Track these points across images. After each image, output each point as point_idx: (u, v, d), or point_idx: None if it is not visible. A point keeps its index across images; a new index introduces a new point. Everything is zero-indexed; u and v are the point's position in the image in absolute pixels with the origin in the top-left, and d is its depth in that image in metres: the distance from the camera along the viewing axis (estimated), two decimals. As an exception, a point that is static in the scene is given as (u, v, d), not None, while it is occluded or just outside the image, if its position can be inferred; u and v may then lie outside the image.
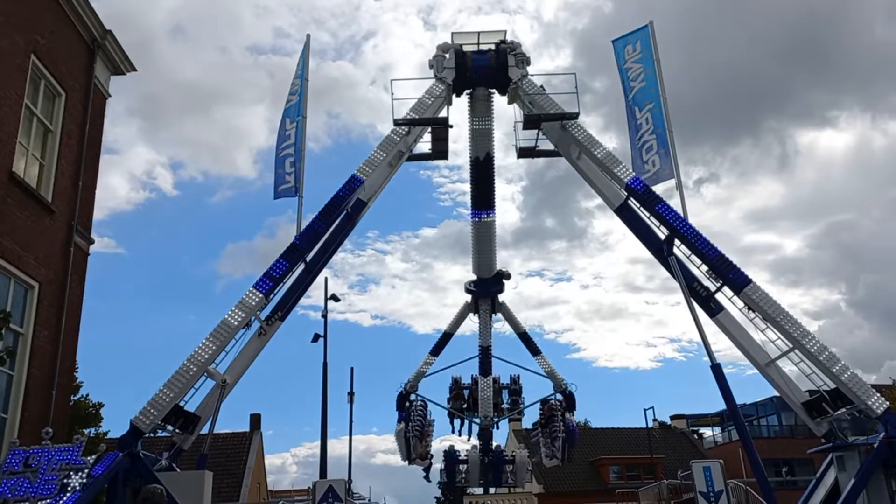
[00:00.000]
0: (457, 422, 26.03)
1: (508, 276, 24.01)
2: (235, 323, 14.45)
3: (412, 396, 25.65)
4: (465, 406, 26.29)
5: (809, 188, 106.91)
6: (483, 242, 21.87)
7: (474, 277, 24.23)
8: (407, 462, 25.22)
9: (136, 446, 12.99)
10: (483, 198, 20.38)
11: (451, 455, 26.51)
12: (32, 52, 13.80)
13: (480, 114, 18.46)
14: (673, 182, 16.26)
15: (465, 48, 18.69)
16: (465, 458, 26.42)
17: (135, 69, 17.29)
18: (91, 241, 15.79)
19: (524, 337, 26.19)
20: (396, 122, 17.37)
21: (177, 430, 14.05)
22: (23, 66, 13.54)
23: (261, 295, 14.83)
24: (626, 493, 30.55)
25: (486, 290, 24.58)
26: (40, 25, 14.14)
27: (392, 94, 17.67)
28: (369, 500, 35.77)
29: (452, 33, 19.16)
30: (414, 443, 24.85)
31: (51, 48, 14.41)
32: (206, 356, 14.05)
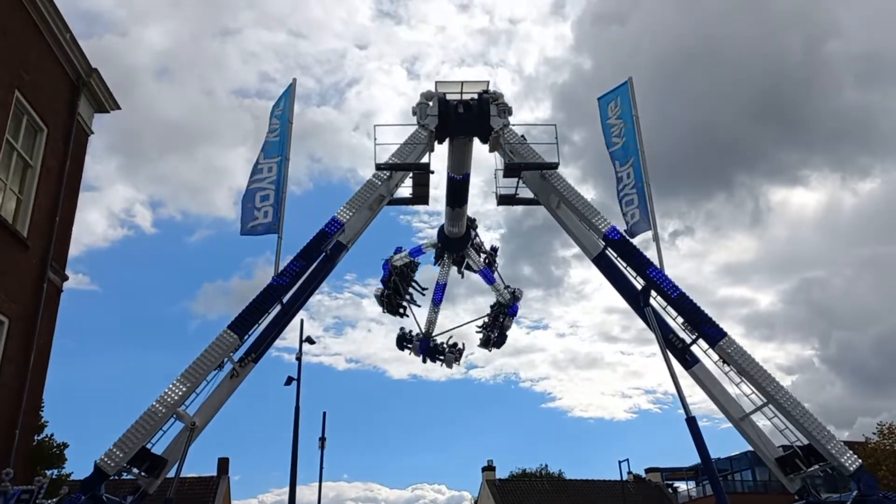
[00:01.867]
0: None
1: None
2: (208, 363, 14.24)
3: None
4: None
5: (782, 244, 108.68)
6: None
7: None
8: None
9: (100, 489, 12.65)
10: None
11: (401, 337, 27.03)
12: (16, 88, 13.79)
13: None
14: (650, 234, 16.50)
15: (449, 97, 19.01)
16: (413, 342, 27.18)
17: (118, 107, 17.32)
18: (65, 278, 15.59)
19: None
20: (378, 167, 17.51)
21: (142, 474, 13.70)
22: (5, 101, 13.52)
23: (235, 336, 14.66)
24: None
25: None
26: (25, 61, 14.17)
27: (375, 138, 17.87)
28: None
29: (436, 82, 19.48)
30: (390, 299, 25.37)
31: (35, 84, 14.42)
32: (176, 398, 13.80)
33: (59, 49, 15.16)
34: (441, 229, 22.91)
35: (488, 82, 19.56)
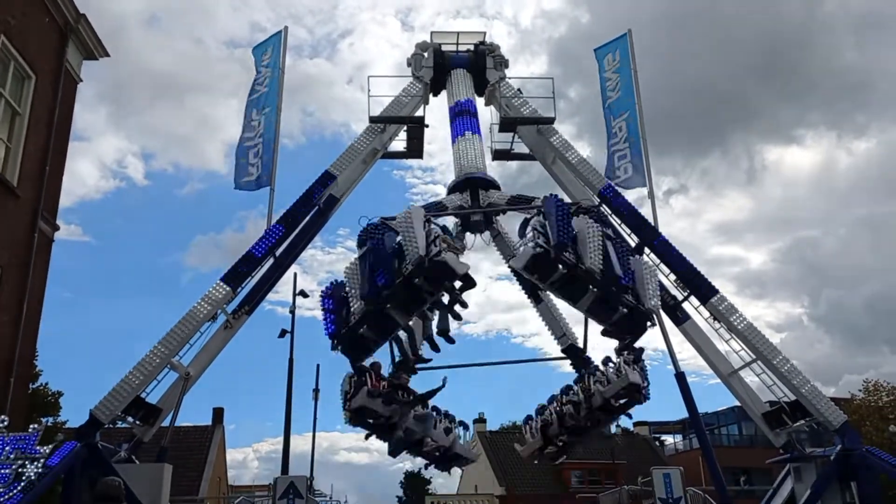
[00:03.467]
0: None
1: None
2: (201, 315, 14.27)
3: None
4: None
5: (776, 203, 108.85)
6: None
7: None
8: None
9: (95, 437, 12.79)
10: None
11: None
12: (2, 33, 13.50)
13: None
14: (644, 191, 16.46)
15: (444, 48, 18.72)
16: None
17: (108, 55, 16.99)
18: (56, 228, 15.49)
19: None
20: (372, 119, 17.33)
21: (137, 422, 13.83)
22: (-8, 46, 13.26)
23: (228, 288, 14.66)
24: (586, 497, 30.74)
25: None
26: (12, 6, 13.84)
27: (369, 90, 17.66)
28: (331, 498, 35.47)
29: (432, 32, 19.20)
30: None
31: (22, 29, 14.11)
32: (170, 348, 13.86)
33: (46, -7, 14.80)
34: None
35: (484, 34, 19.30)
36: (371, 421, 14.20)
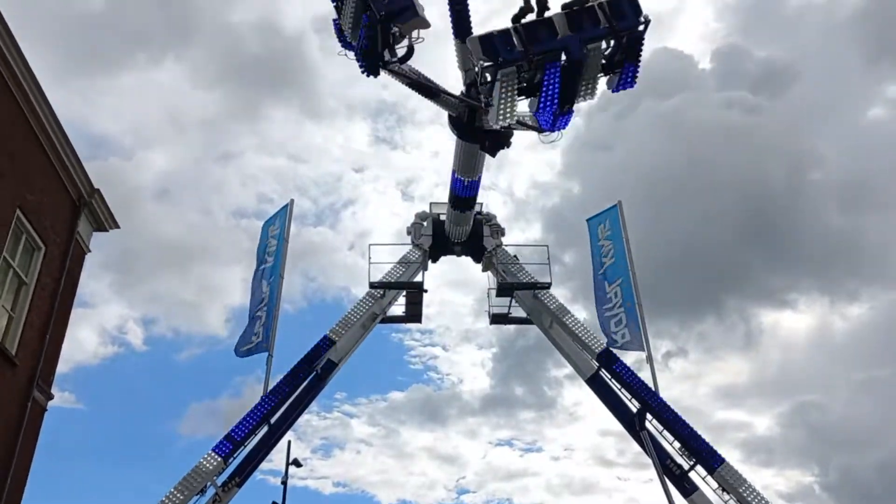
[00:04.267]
0: None
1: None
2: (189, 489, 13.77)
3: None
4: None
5: (775, 367, 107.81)
6: None
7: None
8: None
9: None
10: None
11: None
12: (18, 207, 14.05)
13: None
14: (642, 354, 16.44)
15: (443, 217, 19.43)
16: None
17: (118, 226, 17.57)
18: (50, 397, 15.31)
19: None
20: (372, 285, 17.66)
21: None
22: (6, 220, 13.73)
23: (219, 459, 14.28)
24: None
25: None
26: (30, 181, 14.51)
27: (370, 258, 18.14)
28: None
29: (431, 203, 19.99)
30: None
31: (37, 203, 14.69)
32: (156, 525, 13.26)
33: (64, 170, 15.56)
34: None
35: (481, 204, 20.08)
36: None
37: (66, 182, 15.77)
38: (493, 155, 14.10)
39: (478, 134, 13.88)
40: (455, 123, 14.13)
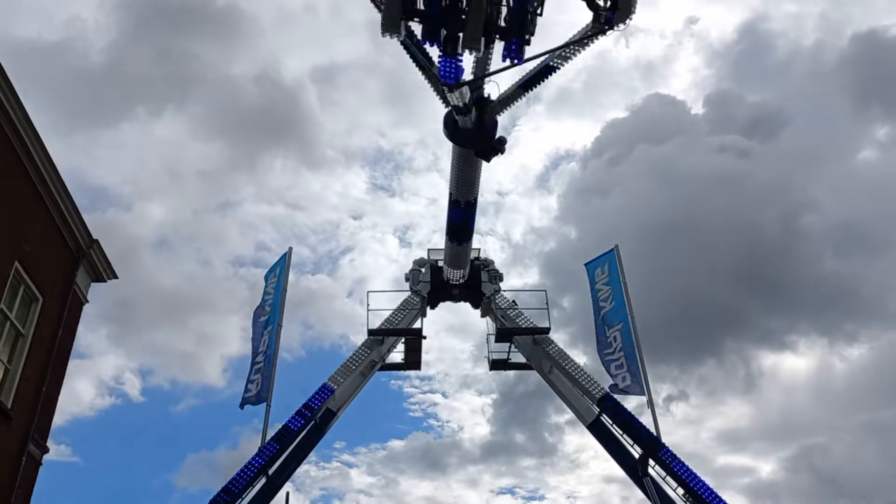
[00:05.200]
0: None
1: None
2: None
3: None
4: None
5: (777, 410, 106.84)
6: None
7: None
8: None
9: None
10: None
11: None
12: (16, 259, 14.06)
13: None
14: (643, 399, 16.30)
15: (440, 263, 19.48)
16: None
17: (116, 277, 17.57)
18: (46, 450, 15.10)
19: None
20: (371, 332, 17.60)
21: None
22: (4, 272, 13.74)
23: (217, 513, 14.01)
24: None
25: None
26: (28, 233, 14.55)
27: (368, 305, 18.11)
28: None
29: (429, 249, 20.07)
30: None
31: (35, 255, 14.71)
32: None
33: (63, 222, 15.62)
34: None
35: (479, 249, 20.17)
36: None
37: (64, 233, 15.81)
38: (488, 160, 13.64)
39: (471, 137, 13.41)
40: (449, 125, 13.66)
